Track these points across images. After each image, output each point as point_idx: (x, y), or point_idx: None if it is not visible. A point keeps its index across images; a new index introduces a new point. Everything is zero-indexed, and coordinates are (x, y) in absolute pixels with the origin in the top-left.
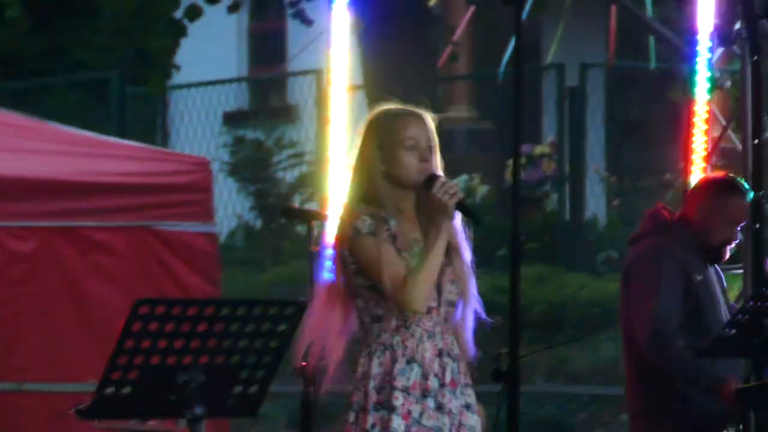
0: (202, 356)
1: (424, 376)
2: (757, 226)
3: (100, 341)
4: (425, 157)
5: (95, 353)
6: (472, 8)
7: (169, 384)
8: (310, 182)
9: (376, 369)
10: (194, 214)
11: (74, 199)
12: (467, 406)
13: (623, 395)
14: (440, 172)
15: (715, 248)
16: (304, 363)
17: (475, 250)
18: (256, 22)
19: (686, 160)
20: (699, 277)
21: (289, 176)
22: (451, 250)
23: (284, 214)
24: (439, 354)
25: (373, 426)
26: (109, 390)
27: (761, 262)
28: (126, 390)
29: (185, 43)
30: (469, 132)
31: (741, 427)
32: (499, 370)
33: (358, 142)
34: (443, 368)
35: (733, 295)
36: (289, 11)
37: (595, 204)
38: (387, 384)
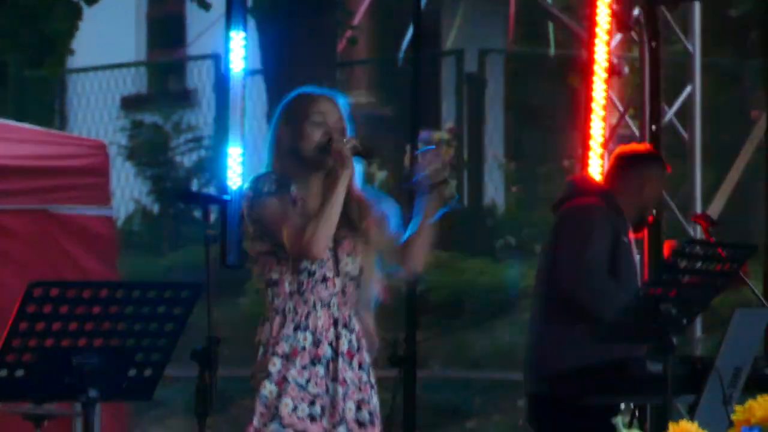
0: (97, 339)
1: (315, 344)
2: (655, 212)
3: None
4: (332, 135)
5: None
6: None
7: (64, 367)
8: (208, 167)
9: (266, 335)
10: (91, 198)
11: None
12: (371, 385)
13: (521, 380)
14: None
15: (642, 219)
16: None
17: None
18: (154, 6)
19: (584, 146)
20: (626, 239)
21: (187, 161)
22: (358, 227)
23: (181, 198)
24: (335, 324)
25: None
26: (3, 372)
27: (659, 247)
28: (20, 372)
29: (83, 27)
30: (368, 117)
31: (636, 413)
32: (396, 355)
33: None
34: (338, 338)
35: None
36: None
37: (494, 190)
38: (270, 347)
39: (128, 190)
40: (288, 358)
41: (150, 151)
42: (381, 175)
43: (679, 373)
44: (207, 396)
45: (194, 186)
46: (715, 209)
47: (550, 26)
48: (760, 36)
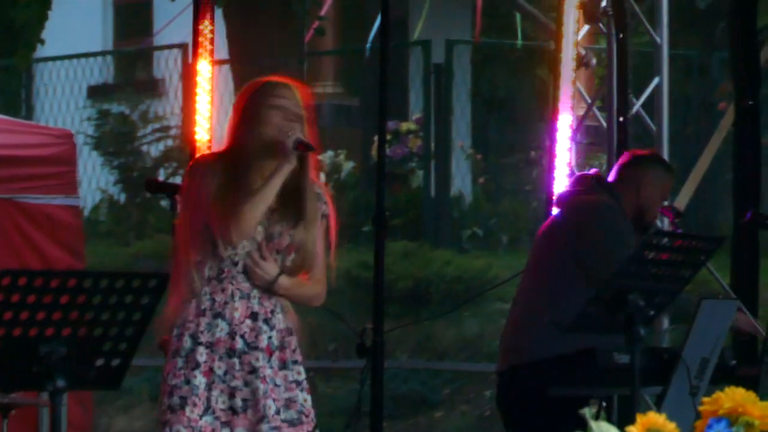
0: (65, 328)
1: (231, 335)
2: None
3: None
4: (290, 118)
5: None
6: None
7: (31, 356)
8: (175, 156)
9: (182, 318)
10: (57, 187)
11: None
12: (297, 383)
13: (487, 371)
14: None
15: (647, 223)
16: (166, 337)
17: (341, 226)
18: None
19: (551, 138)
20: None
21: (154, 150)
22: (303, 221)
23: (148, 188)
24: (254, 317)
25: (169, 374)
26: None
27: None
28: None
29: (51, 16)
30: (335, 107)
31: (604, 404)
32: (363, 346)
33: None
34: (256, 333)
35: None
36: None
37: (461, 181)
38: (185, 332)
39: (95, 179)
40: (213, 349)
41: (117, 141)
42: (348, 165)
43: (646, 364)
44: None
45: (161, 176)
46: (682, 201)
47: (518, 17)
48: (726, 27)
